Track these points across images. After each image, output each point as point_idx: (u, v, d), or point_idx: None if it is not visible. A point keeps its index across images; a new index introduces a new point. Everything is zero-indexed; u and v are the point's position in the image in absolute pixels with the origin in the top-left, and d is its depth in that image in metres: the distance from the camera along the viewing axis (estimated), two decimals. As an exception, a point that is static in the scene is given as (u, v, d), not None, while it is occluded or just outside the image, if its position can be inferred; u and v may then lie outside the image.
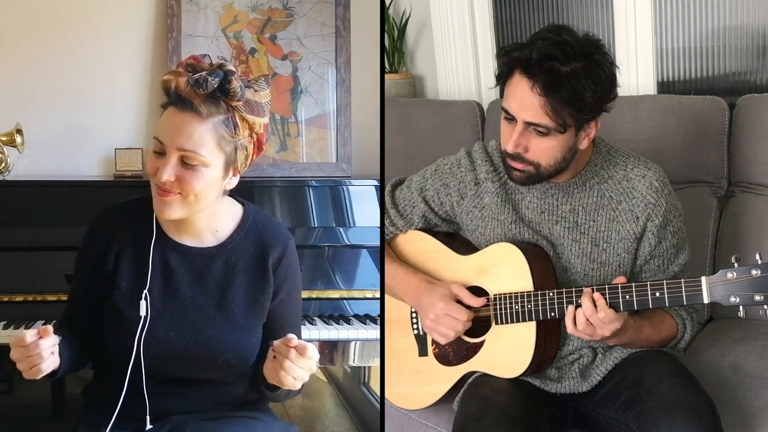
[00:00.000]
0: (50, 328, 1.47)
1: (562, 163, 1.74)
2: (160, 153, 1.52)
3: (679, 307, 1.83)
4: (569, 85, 1.63)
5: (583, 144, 1.74)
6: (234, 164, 1.57)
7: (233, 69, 1.52)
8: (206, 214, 1.61)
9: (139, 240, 1.62)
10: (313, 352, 1.47)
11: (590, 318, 1.67)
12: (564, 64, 1.63)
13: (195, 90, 1.48)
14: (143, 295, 1.59)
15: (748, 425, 1.80)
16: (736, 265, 1.60)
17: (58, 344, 1.50)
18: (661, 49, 2.61)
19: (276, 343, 1.49)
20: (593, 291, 1.68)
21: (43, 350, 1.45)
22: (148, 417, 1.61)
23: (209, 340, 1.60)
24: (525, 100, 1.67)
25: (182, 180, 1.51)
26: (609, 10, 2.67)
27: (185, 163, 1.51)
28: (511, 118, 1.71)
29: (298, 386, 1.51)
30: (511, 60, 1.68)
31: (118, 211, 1.67)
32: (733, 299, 1.59)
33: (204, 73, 1.49)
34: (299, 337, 1.75)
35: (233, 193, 1.68)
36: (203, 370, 1.62)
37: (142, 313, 1.58)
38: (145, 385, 1.59)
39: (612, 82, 1.68)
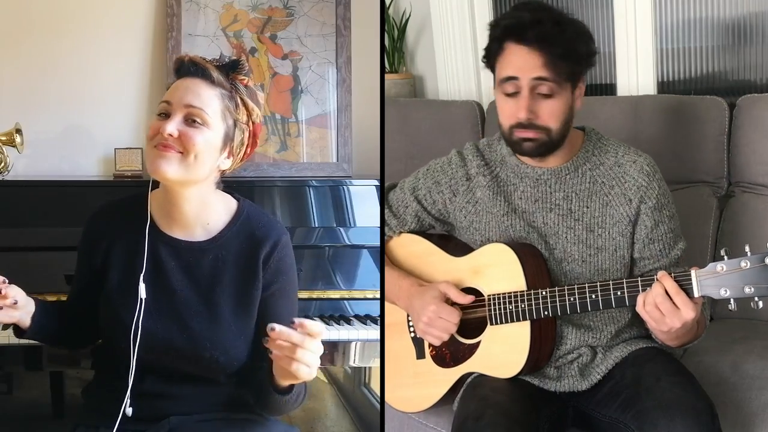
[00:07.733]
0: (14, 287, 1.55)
1: (566, 126, 1.77)
2: (165, 114, 1.57)
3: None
4: (563, 39, 1.70)
5: (578, 103, 1.78)
6: (231, 142, 1.61)
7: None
8: (198, 201, 1.62)
9: (132, 233, 1.64)
10: (318, 327, 1.38)
11: (675, 298, 1.58)
12: (554, 23, 1.70)
13: (210, 60, 1.60)
14: (141, 278, 1.60)
15: (748, 425, 1.80)
16: (725, 257, 1.58)
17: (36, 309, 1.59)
18: (661, 49, 2.61)
19: (276, 336, 1.36)
20: (661, 276, 1.60)
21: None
22: (128, 400, 1.59)
23: (195, 334, 1.60)
24: (528, 63, 1.71)
25: (185, 136, 1.55)
26: (609, 10, 2.67)
27: (190, 121, 1.56)
28: (512, 93, 1.73)
29: (314, 374, 1.41)
30: (504, 30, 1.74)
31: (114, 206, 1.70)
32: (723, 292, 1.57)
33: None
34: None
35: (230, 190, 1.70)
36: (190, 365, 1.62)
37: (142, 295, 1.60)
38: (142, 383, 1.60)
39: (591, 37, 1.77)
